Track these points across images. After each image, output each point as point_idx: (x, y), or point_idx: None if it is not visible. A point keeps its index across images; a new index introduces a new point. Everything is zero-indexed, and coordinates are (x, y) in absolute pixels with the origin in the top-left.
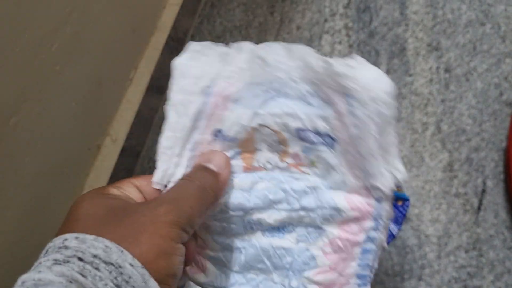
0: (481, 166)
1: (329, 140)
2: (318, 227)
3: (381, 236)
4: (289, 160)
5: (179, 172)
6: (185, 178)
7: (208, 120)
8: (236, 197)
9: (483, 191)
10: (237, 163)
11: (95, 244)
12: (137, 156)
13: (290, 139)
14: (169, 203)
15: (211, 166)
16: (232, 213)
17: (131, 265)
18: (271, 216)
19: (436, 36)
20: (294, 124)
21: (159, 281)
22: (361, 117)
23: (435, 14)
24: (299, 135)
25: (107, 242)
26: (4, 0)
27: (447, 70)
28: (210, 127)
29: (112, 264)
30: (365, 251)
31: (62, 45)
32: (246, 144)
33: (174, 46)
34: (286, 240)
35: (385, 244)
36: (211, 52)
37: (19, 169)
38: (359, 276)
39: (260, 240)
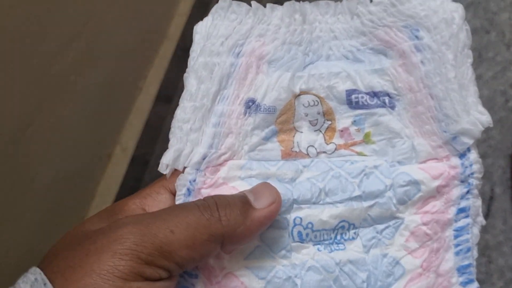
0: (488, 173)
1: (388, 99)
2: (392, 218)
3: (476, 202)
4: (337, 140)
5: (198, 153)
6: (196, 201)
7: (238, 86)
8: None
9: (491, 197)
10: (274, 146)
11: (28, 277)
12: (146, 165)
13: (337, 109)
14: (135, 223)
15: (250, 196)
16: None
17: None
18: (324, 212)
19: None
20: (343, 85)
21: None
22: (432, 47)
23: None
24: (350, 100)
25: (37, 275)
26: (22, 14)
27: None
28: (240, 95)
29: None
30: (460, 230)
31: (77, 56)
32: (285, 119)
33: (182, 56)
34: (350, 252)
35: (481, 217)
36: (241, 9)
37: (35, 177)
38: (461, 270)
39: (318, 257)
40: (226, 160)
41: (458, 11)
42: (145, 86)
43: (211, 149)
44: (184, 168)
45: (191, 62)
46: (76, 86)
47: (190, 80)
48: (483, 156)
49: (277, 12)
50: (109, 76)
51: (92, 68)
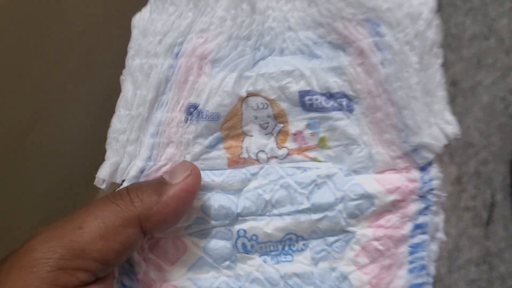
0: (489, 179)
1: (346, 101)
2: (342, 232)
3: (434, 219)
4: (289, 144)
5: (136, 167)
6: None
7: (178, 90)
8: (219, 201)
9: (492, 204)
10: (219, 154)
11: None
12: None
13: (290, 111)
14: (43, 231)
15: (166, 176)
16: (214, 222)
17: None
18: (269, 224)
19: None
20: (296, 86)
21: None
22: (394, 47)
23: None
24: (303, 102)
25: None
26: (21, 22)
27: (452, 84)
28: (181, 101)
29: None
30: (415, 247)
31: (75, 65)
32: (231, 125)
33: None
34: (298, 264)
35: (441, 234)
36: (180, 0)
37: (34, 186)
38: None
39: (262, 269)
40: (166, 171)
41: (427, 3)
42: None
43: (150, 161)
44: (123, 181)
45: (128, 61)
46: (75, 94)
47: (126, 85)
48: (483, 162)
49: (222, 2)
50: (109, 85)
51: (90, 77)
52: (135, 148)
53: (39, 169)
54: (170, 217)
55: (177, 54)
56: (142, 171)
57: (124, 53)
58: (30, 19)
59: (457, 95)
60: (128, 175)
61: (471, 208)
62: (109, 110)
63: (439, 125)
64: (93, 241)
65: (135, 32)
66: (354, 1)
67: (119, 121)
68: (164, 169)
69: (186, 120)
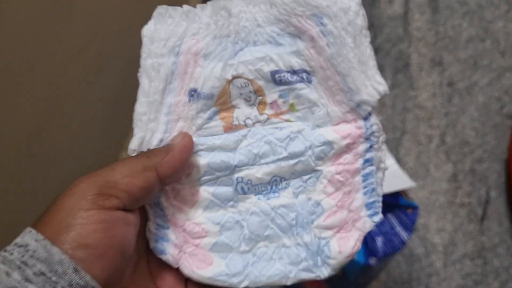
0: (484, 176)
1: (306, 75)
2: (313, 171)
3: (378, 154)
4: (268, 111)
5: (156, 138)
6: None
7: (181, 80)
8: (220, 157)
9: (487, 201)
10: (217, 123)
11: (21, 234)
12: (162, 141)
13: (265, 86)
14: (86, 175)
15: (169, 142)
16: (218, 173)
17: (36, 240)
18: (259, 171)
19: (438, 51)
20: (267, 67)
21: (71, 252)
22: (334, 32)
23: (437, 30)
24: (274, 78)
25: (27, 229)
26: (39, 24)
27: (449, 84)
28: (184, 87)
29: (22, 245)
30: (366, 176)
31: (88, 63)
32: (223, 101)
33: None
34: (283, 198)
35: (384, 164)
36: (176, 13)
37: (47, 178)
38: (368, 206)
39: (258, 204)
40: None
41: (353, 0)
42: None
43: (166, 133)
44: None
45: (142, 62)
46: (86, 93)
47: (143, 79)
48: (479, 160)
49: (206, 11)
50: (118, 83)
51: (102, 75)
52: (155, 125)
53: (52, 162)
54: (176, 164)
55: (177, 53)
56: (161, 141)
57: (132, 54)
58: (45, 22)
59: (454, 95)
60: (151, 144)
61: (466, 204)
62: (118, 107)
63: (372, 85)
64: (122, 178)
65: (145, 40)
66: (302, 2)
67: (141, 106)
68: None
69: (189, 101)
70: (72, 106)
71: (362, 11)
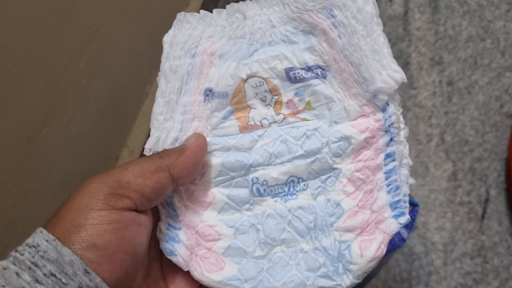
0: (484, 175)
1: (320, 71)
2: (331, 169)
3: (399, 147)
4: (284, 110)
5: (171, 137)
6: None
7: (197, 80)
8: (234, 157)
9: (487, 199)
10: (232, 123)
11: (32, 234)
12: (177, 140)
13: (280, 85)
14: (98, 175)
15: (183, 143)
16: (232, 173)
17: (47, 240)
18: (275, 170)
19: (438, 51)
20: (282, 65)
21: (81, 253)
22: (345, 22)
23: (437, 30)
24: (289, 76)
25: (38, 229)
26: (39, 21)
27: (449, 84)
28: (199, 87)
29: (33, 246)
30: (389, 173)
31: (88, 61)
32: (238, 100)
33: None
34: (301, 200)
35: (407, 159)
36: (193, 18)
37: (48, 176)
38: (393, 205)
39: (274, 207)
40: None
41: None
42: (152, 91)
43: (181, 132)
44: (163, 150)
45: (161, 66)
46: (87, 90)
47: (161, 81)
48: (479, 159)
49: (222, 15)
50: (118, 81)
51: (103, 73)
52: (170, 124)
53: (53, 160)
54: (190, 165)
55: (194, 54)
56: (176, 139)
57: (135, 50)
58: (47, 19)
59: (454, 94)
60: (166, 143)
61: (466, 203)
62: (119, 105)
63: (388, 74)
64: (134, 178)
65: (165, 46)
66: None
67: (158, 106)
68: None
69: (204, 100)
70: (73, 103)
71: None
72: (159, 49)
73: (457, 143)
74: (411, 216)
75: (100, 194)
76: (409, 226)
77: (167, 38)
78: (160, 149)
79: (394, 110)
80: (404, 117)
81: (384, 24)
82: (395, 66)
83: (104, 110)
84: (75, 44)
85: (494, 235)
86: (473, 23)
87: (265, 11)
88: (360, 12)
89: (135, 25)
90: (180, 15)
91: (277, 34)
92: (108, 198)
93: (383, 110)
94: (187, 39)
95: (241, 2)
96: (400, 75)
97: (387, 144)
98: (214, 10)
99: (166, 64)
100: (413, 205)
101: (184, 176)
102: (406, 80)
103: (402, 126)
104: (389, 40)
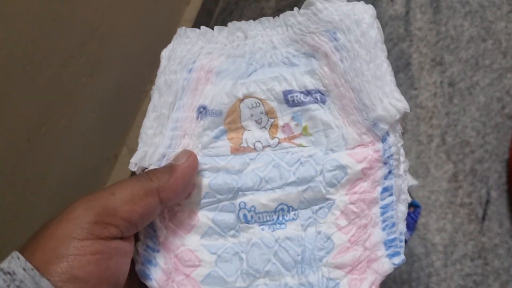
0: (485, 177)
1: (320, 95)
2: (324, 199)
3: (398, 181)
4: (279, 135)
5: (158, 153)
6: None
7: (191, 96)
8: (223, 179)
9: (487, 201)
10: (224, 143)
11: (8, 258)
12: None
13: (277, 108)
14: (83, 197)
15: (172, 161)
16: (219, 196)
17: (24, 269)
18: (264, 196)
19: (439, 51)
20: (280, 87)
21: (61, 285)
22: (347, 46)
23: (438, 30)
24: (287, 99)
25: (13, 254)
26: (39, 18)
27: (450, 84)
28: (193, 103)
29: (9, 273)
30: (385, 208)
31: (88, 59)
32: (232, 120)
33: None
34: (290, 230)
35: (405, 195)
36: (193, 33)
37: (47, 175)
38: (387, 244)
39: (260, 235)
40: (172, 159)
41: (368, 11)
42: (151, 90)
43: (170, 148)
44: (150, 165)
45: (156, 80)
46: (87, 88)
47: (154, 95)
48: (479, 160)
49: (223, 32)
50: (118, 79)
51: (102, 71)
52: (159, 139)
53: (51, 158)
54: (180, 187)
55: (190, 70)
56: (164, 156)
57: (135, 48)
58: (47, 16)
59: (455, 95)
60: (153, 159)
61: (467, 204)
62: (118, 104)
63: (390, 102)
64: (122, 204)
65: (163, 60)
66: (316, 19)
67: (148, 120)
68: None
69: (197, 118)
70: (73, 102)
71: (377, 24)
72: (159, 47)
73: (458, 144)
74: (413, 218)
75: (85, 222)
76: (411, 228)
77: (165, 53)
78: (146, 164)
79: (394, 140)
80: (405, 117)
81: (386, 24)
82: (398, 95)
83: (104, 108)
84: (75, 42)
85: (494, 237)
86: (475, 24)
87: (267, 32)
88: (364, 36)
89: (135, 24)
90: (181, 30)
91: (278, 56)
92: (92, 227)
93: (383, 140)
94: (185, 54)
95: (243, 22)
96: (402, 104)
97: (385, 177)
98: (216, 27)
99: (161, 78)
100: (415, 206)
101: (173, 198)
102: (408, 110)
103: (402, 159)
104: (391, 40)
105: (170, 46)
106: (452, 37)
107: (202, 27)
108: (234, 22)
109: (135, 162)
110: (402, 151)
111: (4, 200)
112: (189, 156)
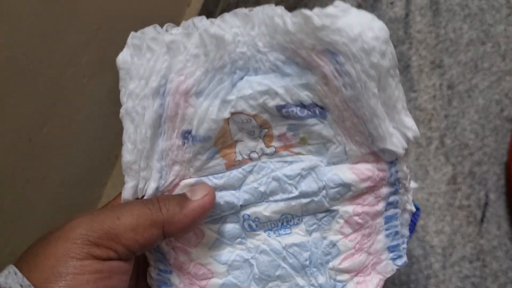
0: (483, 179)
1: (318, 110)
2: (328, 210)
3: (403, 197)
4: (276, 143)
5: (151, 187)
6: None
7: (171, 122)
8: (223, 197)
9: (486, 203)
10: (218, 162)
11: (3, 271)
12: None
13: (271, 119)
14: (86, 215)
15: (188, 193)
16: (224, 213)
17: (21, 286)
18: (267, 209)
19: (439, 54)
20: (273, 102)
21: None
22: (352, 74)
23: (438, 33)
24: (281, 112)
25: (10, 268)
26: (40, 18)
27: (449, 87)
28: (175, 130)
29: None
30: (389, 218)
31: (90, 59)
32: (223, 140)
33: None
34: (295, 235)
35: (410, 205)
36: (155, 45)
37: (47, 175)
38: (391, 249)
39: (268, 242)
40: (177, 183)
41: (379, 38)
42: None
43: (161, 180)
44: (143, 196)
45: (123, 100)
46: (88, 89)
47: (126, 123)
48: (478, 163)
49: (192, 40)
50: (117, 80)
51: (104, 71)
52: (147, 173)
53: (52, 158)
54: (187, 226)
55: (163, 93)
56: (157, 189)
57: None
58: (49, 17)
59: (454, 98)
60: (146, 193)
61: (465, 207)
62: (120, 104)
63: (400, 130)
64: (126, 231)
65: (122, 73)
66: (313, 36)
67: (128, 154)
68: (174, 182)
69: (183, 144)
70: (74, 102)
71: (391, 49)
72: None
73: (457, 146)
74: (412, 220)
75: (85, 242)
76: (410, 230)
77: (123, 64)
78: (139, 197)
79: (401, 166)
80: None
81: None
82: (408, 122)
83: (105, 108)
84: (76, 42)
85: (493, 239)
86: (474, 27)
87: (248, 31)
88: (374, 67)
89: (136, 24)
90: (136, 39)
91: (265, 62)
92: (93, 249)
93: (391, 164)
94: (151, 74)
95: (216, 24)
96: (413, 133)
97: (390, 194)
98: (183, 34)
99: (129, 103)
100: (415, 208)
101: (176, 234)
102: (419, 137)
103: (407, 184)
104: None
105: (127, 56)
106: (452, 40)
107: (166, 35)
108: (203, 27)
109: (127, 199)
110: (408, 173)
111: (4, 200)
112: (206, 194)
